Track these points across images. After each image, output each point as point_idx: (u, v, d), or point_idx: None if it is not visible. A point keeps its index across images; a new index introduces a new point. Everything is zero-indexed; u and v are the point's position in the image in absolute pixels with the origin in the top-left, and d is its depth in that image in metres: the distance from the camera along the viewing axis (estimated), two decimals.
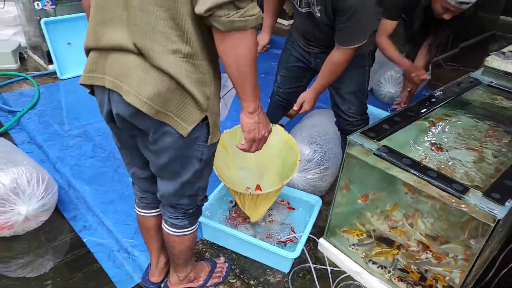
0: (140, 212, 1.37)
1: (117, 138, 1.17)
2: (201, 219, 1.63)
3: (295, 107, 1.71)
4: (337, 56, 1.54)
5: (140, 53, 0.89)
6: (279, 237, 1.69)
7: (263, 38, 1.88)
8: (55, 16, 3.03)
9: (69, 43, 3.13)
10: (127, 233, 1.72)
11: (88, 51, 1.01)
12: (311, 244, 1.71)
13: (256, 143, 1.09)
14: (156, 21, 0.86)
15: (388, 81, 2.87)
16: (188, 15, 0.85)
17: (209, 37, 0.90)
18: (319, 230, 1.74)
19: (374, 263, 1.54)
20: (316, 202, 1.79)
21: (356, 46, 1.49)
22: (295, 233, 1.70)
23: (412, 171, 1.25)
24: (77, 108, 2.71)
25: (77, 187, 1.99)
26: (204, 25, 0.87)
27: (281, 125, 1.78)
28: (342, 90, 1.76)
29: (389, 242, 1.52)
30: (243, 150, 1.12)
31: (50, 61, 3.13)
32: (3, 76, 3.06)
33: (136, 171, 1.24)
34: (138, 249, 1.64)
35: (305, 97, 1.69)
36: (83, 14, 3.10)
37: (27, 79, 3.02)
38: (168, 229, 1.26)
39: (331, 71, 1.60)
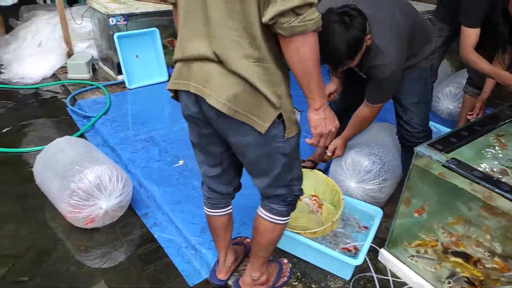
0: (208, 211, 1.46)
1: (197, 137, 1.26)
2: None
3: (329, 153, 1.91)
4: (365, 112, 1.73)
5: (219, 60, 1.02)
6: (338, 245, 1.73)
7: (330, 86, 1.91)
8: (126, 31, 3.30)
9: (136, 55, 3.40)
10: (194, 232, 1.84)
11: (175, 62, 1.16)
12: (371, 254, 1.73)
13: (323, 138, 1.19)
14: (230, 31, 0.99)
15: (446, 97, 2.83)
16: (257, 24, 0.98)
17: (276, 43, 1.02)
18: (378, 241, 1.76)
19: (438, 276, 1.54)
20: (377, 212, 1.81)
21: (381, 104, 1.67)
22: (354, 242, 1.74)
23: (484, 184, 1.26)
24: (143, 115, 2.92)
25: (147, 187, 2.16)
26: (271, 32, 0.99)
27: (319, 170, 1.98)
28: (405, 101, 1.79)
29: (457, 256, 1.52)
30: (312, 144, 1.23)
31: (119, 72, 3.40)
32: (78, 85, 3.37)
33: (207, 170, 1.34)
34: (205, 247, 1.75)
35: (337, 144, 1.88)
36: (150, 29, 3.37)
37: (99, 88, 3.30)
38: (264, 215, 1.30)
39: (359, 124, 1.81)
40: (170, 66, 3.53)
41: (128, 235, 1.88)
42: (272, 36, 1.01)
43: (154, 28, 3.37)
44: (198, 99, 1.09)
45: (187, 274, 1.68)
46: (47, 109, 3.07)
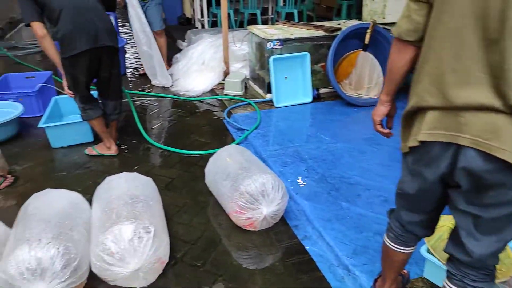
0: (392, 245, 1.38)
1: (416, 189, 1.18)
2: (425, 255, 1.65)
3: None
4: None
5: (510, 112, 0.94)
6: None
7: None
8: (280, 54, 3.59)
9: (286, 77, 3.65)
10: (346, 251, 1.87)
11: (419, 109, 1.09)
12: None
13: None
14: None
15: None
16: None
17: None
18: None
19: None
20: None
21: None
22: None
23: None
24: (290, 132, 3.12)
25: (297, 201, 2.28)
26: None
27: None
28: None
29: None
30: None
31: (268, 91, 3.70)
32: (233, 100, 3.77)
33: (409, 216, 1.28)
34: (358, 269, 1.77)
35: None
36: (301, 53, 3.58)
37: (250, 104, 3.64)
38: None
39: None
40: (314, 88, 3.70)
41: (281, 242, 2.02)
42: None
43: (306, 52, 3.59)
44: (459, 152, 1.01)
45: None
46: (207, 119, 3.51)
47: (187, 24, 7.35)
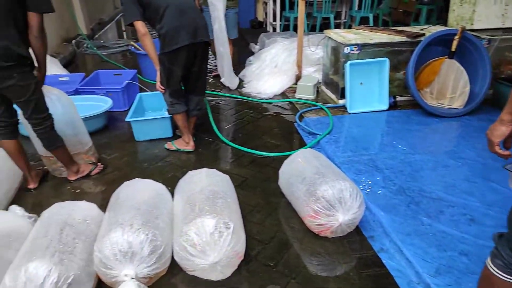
0: (500, 274, 1.23)
1: None
2: None
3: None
4: None
5: None
6: None
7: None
8: (357, 59, 3.50)
9: (361, 82, 3.55)
10: (428, 269, 1.76)
11: None
12: None
13: None
14: None
15: None
16: None
17: None
18: None
19: None
20: None
21: None
22: None
23: None
24: (364, 140, 3.02)
25: (373, 211, 2.20)
26: None
27: None
28: None
29: None
30: None
31: (341, 96, 3.63)
32: (304, 104, 3.76)
33: None
34: None
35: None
36: (380, 59, 3.46)
37: (322, 109, 3.60)
38: None
39: None
40: (391, 95, 3.56)
41: (355, 252, 1.96)
42: None
43: (385, 58, 3.46)
44: None
45: None
46: (278, 122, 3.54)
47: (259, 27, 7.49)
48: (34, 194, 2.43)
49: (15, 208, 1.90)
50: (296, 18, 6.22)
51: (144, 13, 2.50)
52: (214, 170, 2.14)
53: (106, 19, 8.74)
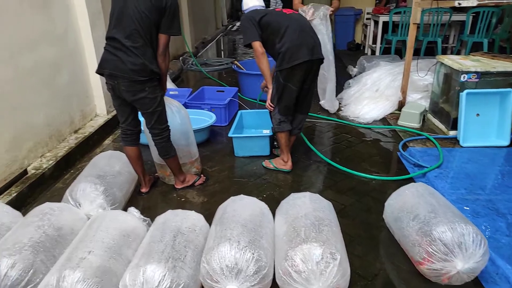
0: None
1: None
2: None
3: None
4: None
5: None
6: None
7: None
8: (475, 88, 3.18)
9: (477, 114, 3.22)
10: None
11: None
12: None
13: None
14: None
15: None
16: None
17: None
18: None
19: None
20: None
21: None
22: None
23: None
24: (480, 177, 2.71)
25: (496, 262, 1.93)
26: None
27: None
28: None
29: None
30: None
31: (452, 127, 3.32)
32: (408, 132, 3.53)
33: None
34: None
35: None
36: (503, 90, 3.10)
37: (429, 139, 3.33)
38: None
39: None
40: None
41: None
42: None
43: (509, 89, 3.09)
44: None
45: None
46: (378, 149, 3.37)
47: (356, 49, 7.36)
48: (145, 198, 2.64)
49: (133, 210, 2.07)
50: (398, 42, 6.00)
51: (261, 34, 2.64)
52: (318, 195, 2.09)
53: (209, 38, 9.42)
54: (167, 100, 2.63)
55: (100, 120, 3.80)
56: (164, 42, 2.23)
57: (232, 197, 2.08)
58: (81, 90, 3.62)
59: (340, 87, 4.72)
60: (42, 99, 3.06)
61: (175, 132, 2.59)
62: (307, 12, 3.66)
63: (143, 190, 2.68)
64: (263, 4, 2.89)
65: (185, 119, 2.71)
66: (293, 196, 2.10)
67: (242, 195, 2.09)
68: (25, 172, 2.75)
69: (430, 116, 3.76)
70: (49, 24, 3.13)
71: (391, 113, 3.97)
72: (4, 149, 2.61)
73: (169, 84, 4.78)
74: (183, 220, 1.89)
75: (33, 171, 2.82)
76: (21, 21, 2.79)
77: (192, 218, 1.95)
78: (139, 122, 2.50)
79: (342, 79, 5.17)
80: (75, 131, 3.52)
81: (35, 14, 2.96)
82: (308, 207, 1.94)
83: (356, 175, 2.87)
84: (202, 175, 2.87)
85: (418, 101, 3.93)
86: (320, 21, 3.69)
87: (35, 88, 2.97)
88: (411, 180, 2.80)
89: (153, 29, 2.17)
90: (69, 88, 3.41)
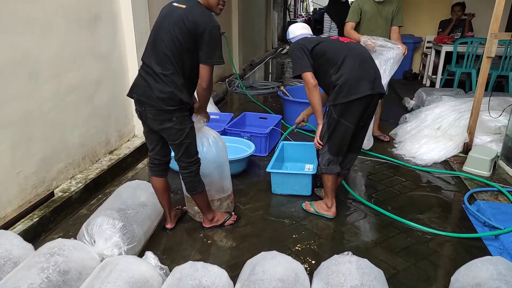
0: None
1: None
2: None
3: None
4: None
5: None
6: None
7: None
8: None
9: None
10: None
11: None
12: None
13: None
14: None
15: None
16: None
17: None
18: None
19: None
20: None
21: None
22: None
23: None
24: None
25: None
26: None
27: None
28: None
29: None
30: None
31: None
32: (476, 182, 3.03)
33: None
34: None
35: None
36: None
37: (502, 193, 2.82)
38: None
39: None
40: None
41: None
42: None
43: None
44: None
45: None
46: (439, 198, 2.90)
47: (412, 79, 6.85)
48: (169, 235, 2.40)
49: (150, 256, 1.82)
50: (462, 74, 5.46)
51: (313, 64, 2.39)
52: (367, 262, 1.72)
53: (257, 60, 9.34)
54: (206, 129, 2.42)
55: (137, 142, 3.69)
56: (206, 74, 2.02)
57: (263, 253, 1.76)
58: (121, 109, 3.53)
59: (395, 121, 4.29)
60: (80, 118, 2.98)
61: (208, 164, 2.36)
62: (371, 44, 3.30)
63: (168, 226, 2.44)
64: (311, 32, 2.62)
65: (222, 151, 2.47)
66: (337, 259, 1.74)
67: (274, 252, 1.77)
68: (51, 194, 2.64)
69: (502, 163, 3.23)
70: (94, 42, 3.08)
71: (454, 156, 3.48)
72: (32, 170, 2.51)
73: (211, 107, 4.62)
74: (202, 278, 1.61)
75: (59, 194, 2.70)
76: (67, 39, 2.74)
77: (213, 275, 1.65)
78: (168, 151, 2.29)
79: (396, 112, 4.75)
80: (110, 152, 3.42)
81: (82, 32, 2.92)
82: (354, 279, 1.57)
83: (413, 230, 2.44)
84: (233, 213, 2.59)
85: (488, 144, 3.41)
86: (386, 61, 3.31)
87: (74, 107, 2.90)
88: (479, 240, 2.33)
89: (185, 56, 1.97)
90: (108, 107, 3.33)
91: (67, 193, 2.72)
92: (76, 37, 2.85)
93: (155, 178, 2.30)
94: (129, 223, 2.09)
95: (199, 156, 2.24)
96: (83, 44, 2.95)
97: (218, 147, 2.44)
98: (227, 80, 6.50)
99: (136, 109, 2.12)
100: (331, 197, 2.56)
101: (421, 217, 2.61)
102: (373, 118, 3.57)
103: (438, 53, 6.04)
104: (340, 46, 2.39)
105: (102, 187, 3.02)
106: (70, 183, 2.86)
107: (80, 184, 2.85)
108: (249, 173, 3.31)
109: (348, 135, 2.37)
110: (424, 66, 6.79)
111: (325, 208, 2.60)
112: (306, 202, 2.73)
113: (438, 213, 2.68)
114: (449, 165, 3.38)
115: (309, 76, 2.35)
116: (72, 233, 2.35)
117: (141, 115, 2.11)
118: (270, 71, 9.45)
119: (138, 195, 2.34)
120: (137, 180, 2.52)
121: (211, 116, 4.20)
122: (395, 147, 3.82)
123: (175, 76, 1.98)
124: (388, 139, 4.01)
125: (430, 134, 3.67)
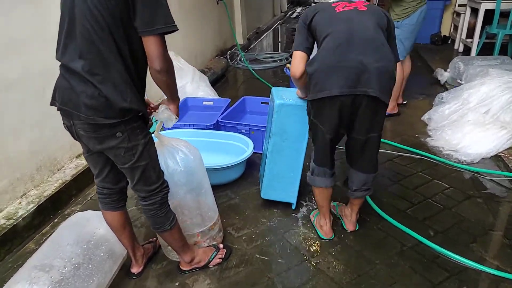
0: None
1: None
2: None
3: None
4: None
5: None
6: None
7: None
8: None
9: None
10: None
11: None
12: None
13: None
14: None
15: None
16: None
17: None
18: None
19: None
20: None
21: None
22: None
23: None
24: None
25: None
26: None
27: None
28: None
29: None
30: None
31: None
32: None
33: None
34: None
35: None
36: None
37: None
38: None
39: None
40: None
41: None
42: None
43: None
44: None
45: None
46: (496, 212, 2.19)
47: (441, 44, 5.90)
48: (134, 284, 1.80)
49: None
50: (506, 37, 4.55)
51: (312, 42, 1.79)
52: None
53: (264, 27, 8.40)
54: (172, 140, 1.74)
55: None
56: (153, 48, 1.28)
57: None
58: None
59: (426, 100, 3.52)
60: (28, 119, 2.34)
61: (178, 189, 1.71)
62: None
63: (134, 270, 1.83)
64: None
65: (196, 169, 1.79)
66: None
67: None
68: None
69: None
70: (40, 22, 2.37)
71: (509, 149, 2.72)
72: None
73: (206, 88, 3.89)
74: None
75: (1, 222, 2.11)
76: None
77: None
78: (122, 176, 1.62)
79: (426, 87, 3.94)
80: (78, 156, 2.79)
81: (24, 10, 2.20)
82: None
83: (469, 272, 1.76)
84: (222, 245, 1.95)
85: None
86: None
87: (17, 106, 2.25)
88: None
89: (120, 34, 1.26)
90: None
91: (12, 220, 2.13)
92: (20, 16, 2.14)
93: (108, 212, 1.67)
94: (67, 283, 1.47)
95: (165, 179, 1.58)
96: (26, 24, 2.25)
97: (188, 164, 1.74)
98: (228, 53, 5.71)
99: (63, 123, 1.45)
100: (321, 214, 2.02)
101: (476, 248, 1.92)
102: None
103: (474, 11, 5.08)
104: (330, 17, 1.71)
105: (64, 205, 2.43)
106: (19, 204, 2.27)
107: (32, 205, 2.25)
108: (246, 178, 2.64)
109: (326, 142, 1.77)
110: (456, 27, 5.81)
111: (318, 225, 2.07)
112: (315, 210, 2.16)
113: (499, 239, 1.99)
114: (502, 161, 2.64)
115: (297, 57, 1.79)
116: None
117: (71, 132, 1.44)
118: (279, 40, 8.52)
119: (90, 231, 1.72)
120: (89, 211, 1.87)
121: (205, 103, 3.55)
122: (430, 136, 3.07)
123: (111, 71, 1.28)
124: (397, 111, 3.41)
125: (476, 120, 2.89)
